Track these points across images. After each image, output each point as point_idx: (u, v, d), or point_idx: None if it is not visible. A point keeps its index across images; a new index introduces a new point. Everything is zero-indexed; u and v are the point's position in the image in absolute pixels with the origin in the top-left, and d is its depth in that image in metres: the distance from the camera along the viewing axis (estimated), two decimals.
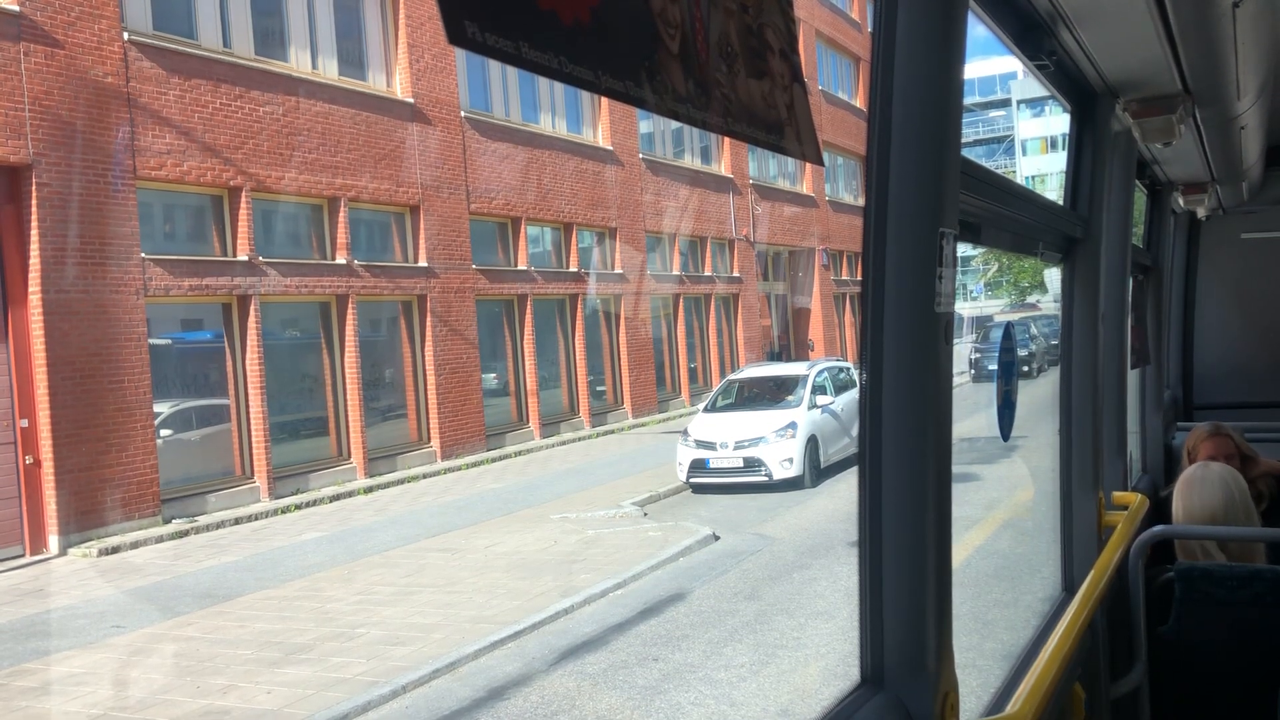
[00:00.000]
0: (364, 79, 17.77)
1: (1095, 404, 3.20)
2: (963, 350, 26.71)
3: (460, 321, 19.07)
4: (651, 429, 22.34)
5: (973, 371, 26.68)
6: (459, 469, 18.05)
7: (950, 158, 1.66)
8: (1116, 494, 3.65)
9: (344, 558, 11.34)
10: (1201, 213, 5.64)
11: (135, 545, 12.51)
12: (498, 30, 0.84)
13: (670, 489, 14.36)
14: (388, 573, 10.48)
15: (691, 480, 14.46)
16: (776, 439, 14.15)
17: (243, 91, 15.14)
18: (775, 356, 29.36)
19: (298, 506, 14.83)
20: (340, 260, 16.70)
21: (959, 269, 1.83)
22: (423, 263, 18.34)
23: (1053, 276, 27.84)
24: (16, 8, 12.29)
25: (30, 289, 12.40)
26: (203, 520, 13.65)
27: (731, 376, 17.50)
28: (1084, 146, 3.16)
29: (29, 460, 12.32)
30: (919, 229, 1.64)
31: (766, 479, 14.02)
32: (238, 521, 13.87)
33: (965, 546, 9.82)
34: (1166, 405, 5.33)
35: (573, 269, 22.42)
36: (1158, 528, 3.34)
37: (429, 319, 18.37)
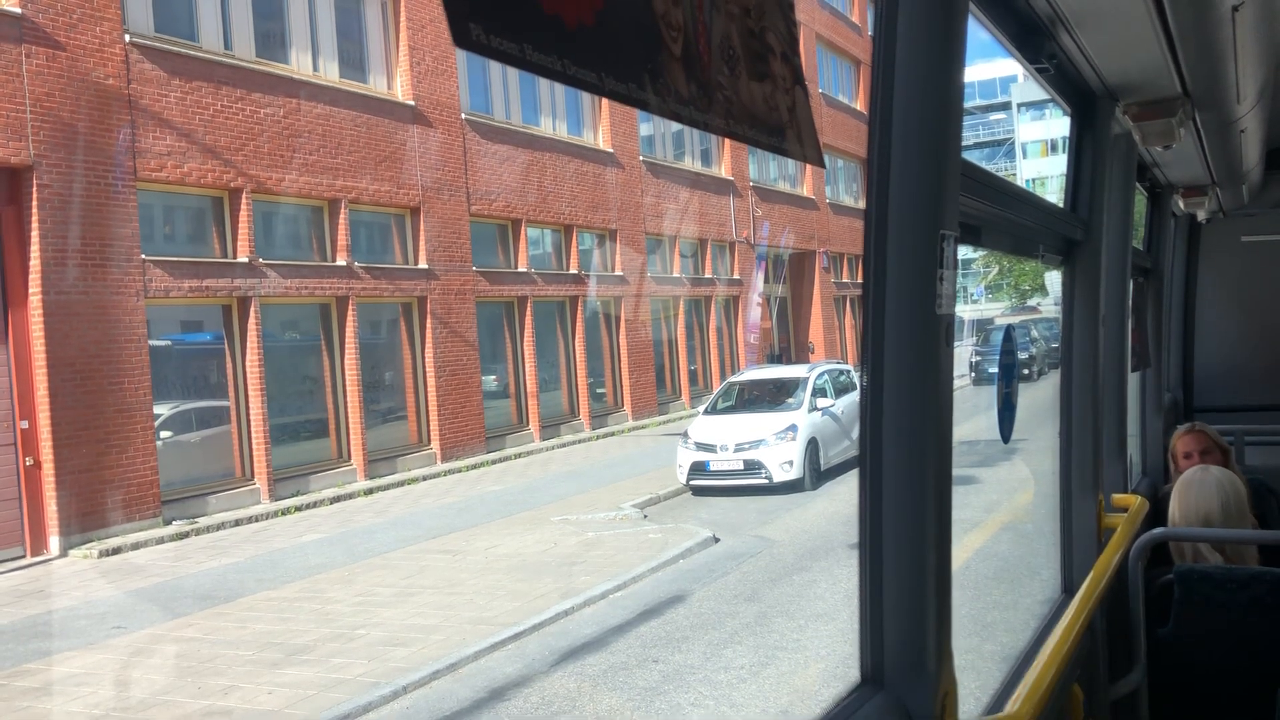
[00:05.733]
0: (365, 81, 17.79)
1: (1095, 406, 3.21)
2: (963, 353, 26.71)
3: (460, 323, 19.08)
4: (652, 431, 22.34)
5: (973, 374, 26.68)
6: (459, 471, 18.05)
7: (951, 160, 1.66)
8: (1116, 496, 3.66)
9: (344, 559, 11.34)
10: (1202, 215, 5.65)
11: (136, 546, 12.52)
12: (502, 32, 0.84)
13: (670, 491, 14.36)
14: (388, 574, 10.48)
15: (691, 483, 14.45)
16: (777, 441, 14.15)
17: (244, 94, 15.15)
18: (775, 359, 29.36)
19: (298, 508, 14.83)
20: (340, 262, 16.71)
21: (959, 271, 1.83)
22: (423, 265, 18.35)
23: (1053, 279, 27.83)
24: (19, 9, 12.31)
25: (31, 290, 12.40)
26: (203, 522, 13.66)
27: (732, 379, 17.49)
28: (1084, 149, 3.16)
29: (29, 462, 12.32)
30: (919, 231, 1.65)
31: (767, 481, 14.02)
32: (238, 523, 13.87)
33: (965, 549, 9.82)
34: (1166, 408, 5.33)
35: (573, 271, 22.42)
36: (1157, 530, 3.34)
37: (429, 321, 18.38)
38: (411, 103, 18.23)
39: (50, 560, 12.13)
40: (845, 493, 13.64)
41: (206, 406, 15.01)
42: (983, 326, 34.23)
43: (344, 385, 16.80)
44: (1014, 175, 66.06)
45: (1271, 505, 4.31)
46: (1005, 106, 75.35)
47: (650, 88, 1.03)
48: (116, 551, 12.31)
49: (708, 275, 27.15)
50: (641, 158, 24.64)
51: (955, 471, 1.80)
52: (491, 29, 0.83)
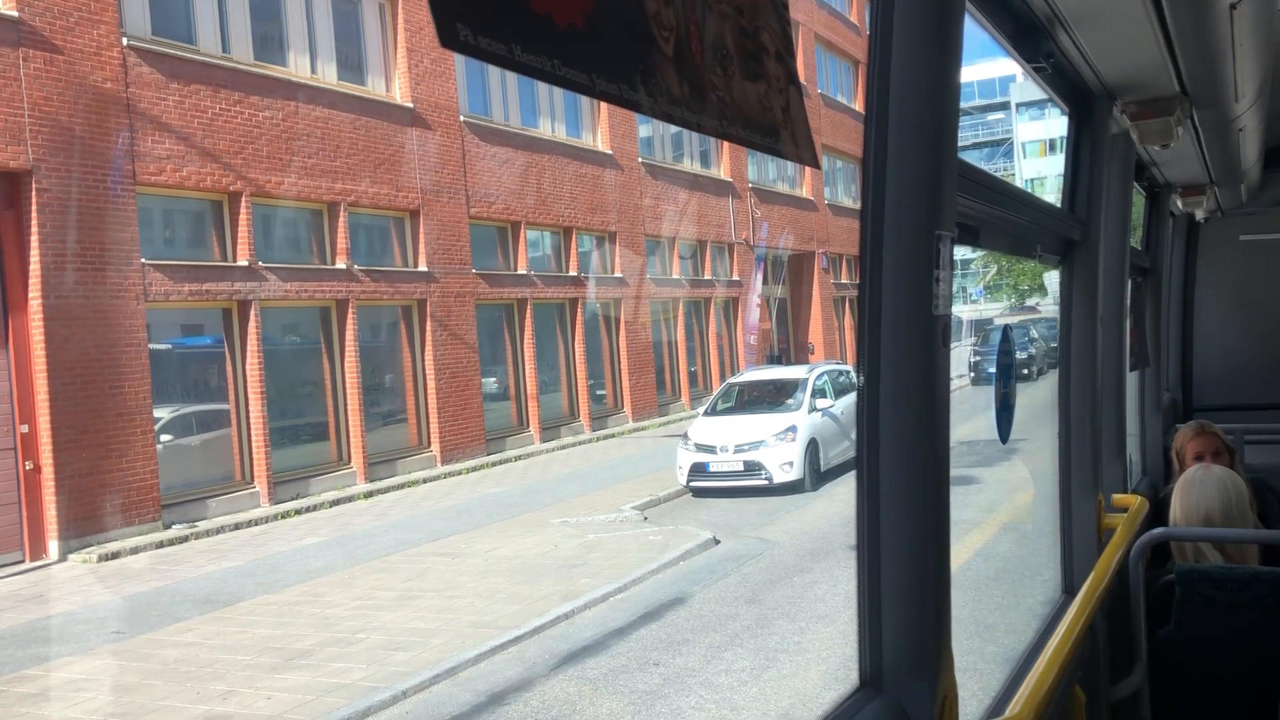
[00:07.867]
0: (363, 84, 17.79)
1: (1094, 406, 3.20)
2: (962, 353, 26.71)
3: (460, 326, 19.07)
4: (652, 433, 22.33)
5: (972, 374, 26.66)
6: (459, 473, 18.04)
7: (947, 160, 1.66)
8: (1116, 496, 3.65)
9: (344, 563, 11.33)
10: (1200, 215, 5.64)
11: (135, 551, 12.50)
12: (490, 33, 0.83)
13: (670, 493, 14.35)
14: (388, 578, 10.47)
15: (692, 484, 14.44)
16: (776, 442, 14.14)
17: (242, 96, 15.14)
18: (775, 360, 29.35)
19: (298, 511, 14.82)
20: (340, 265, 16.70)
21: (958, 272, 1.81)
22: (423, 267, 18.34)
23: (1052, 279, 27.81)
24: (15, 13, 12.30)
25: (30, 294, 12.40)
26: (203, 525, 13.64)
27: (731, 380, 17.49)
28: (1082, 149, 3.15)
29: (29, 466, 12.31)
30: (916, 232, 1.64)
31: (766, 483, 14.01)
32: (238, 527, 13.86)
33: (965, 549, 9.81)
34: (1165, 407, 5.32)
35: (572, 273, 22.42)
36: (1157, 530, 3.33)
37: (429, 323, 18.37)
38: (410, 105, 18.22)
39: (49, 565, 12.12)
40: (845, 494, 13.62)
41: (206, 410, 15.00)
42: (981, 327, 34.21)
43: (344, 388, 16.79)
44: (1012, 175, 66.05)
45: (1272, 504, 4.29)
46: (1004, 106, 75.32)
47: (642, 88, 1.02)
48: (116, 556, 12.29)
49: (707, 277, 27.14)
50: (640, 159, 24.64)
51: (955, 472, 1.79)
52: (479, 29, 0.82)
